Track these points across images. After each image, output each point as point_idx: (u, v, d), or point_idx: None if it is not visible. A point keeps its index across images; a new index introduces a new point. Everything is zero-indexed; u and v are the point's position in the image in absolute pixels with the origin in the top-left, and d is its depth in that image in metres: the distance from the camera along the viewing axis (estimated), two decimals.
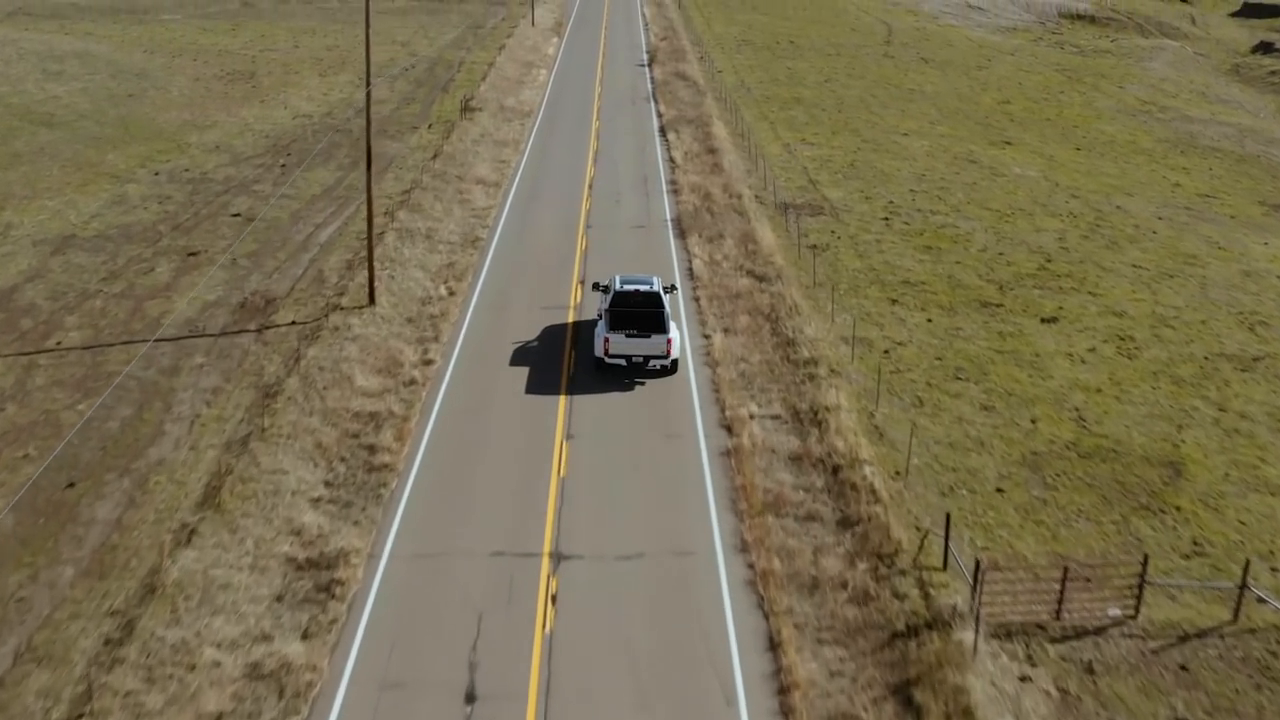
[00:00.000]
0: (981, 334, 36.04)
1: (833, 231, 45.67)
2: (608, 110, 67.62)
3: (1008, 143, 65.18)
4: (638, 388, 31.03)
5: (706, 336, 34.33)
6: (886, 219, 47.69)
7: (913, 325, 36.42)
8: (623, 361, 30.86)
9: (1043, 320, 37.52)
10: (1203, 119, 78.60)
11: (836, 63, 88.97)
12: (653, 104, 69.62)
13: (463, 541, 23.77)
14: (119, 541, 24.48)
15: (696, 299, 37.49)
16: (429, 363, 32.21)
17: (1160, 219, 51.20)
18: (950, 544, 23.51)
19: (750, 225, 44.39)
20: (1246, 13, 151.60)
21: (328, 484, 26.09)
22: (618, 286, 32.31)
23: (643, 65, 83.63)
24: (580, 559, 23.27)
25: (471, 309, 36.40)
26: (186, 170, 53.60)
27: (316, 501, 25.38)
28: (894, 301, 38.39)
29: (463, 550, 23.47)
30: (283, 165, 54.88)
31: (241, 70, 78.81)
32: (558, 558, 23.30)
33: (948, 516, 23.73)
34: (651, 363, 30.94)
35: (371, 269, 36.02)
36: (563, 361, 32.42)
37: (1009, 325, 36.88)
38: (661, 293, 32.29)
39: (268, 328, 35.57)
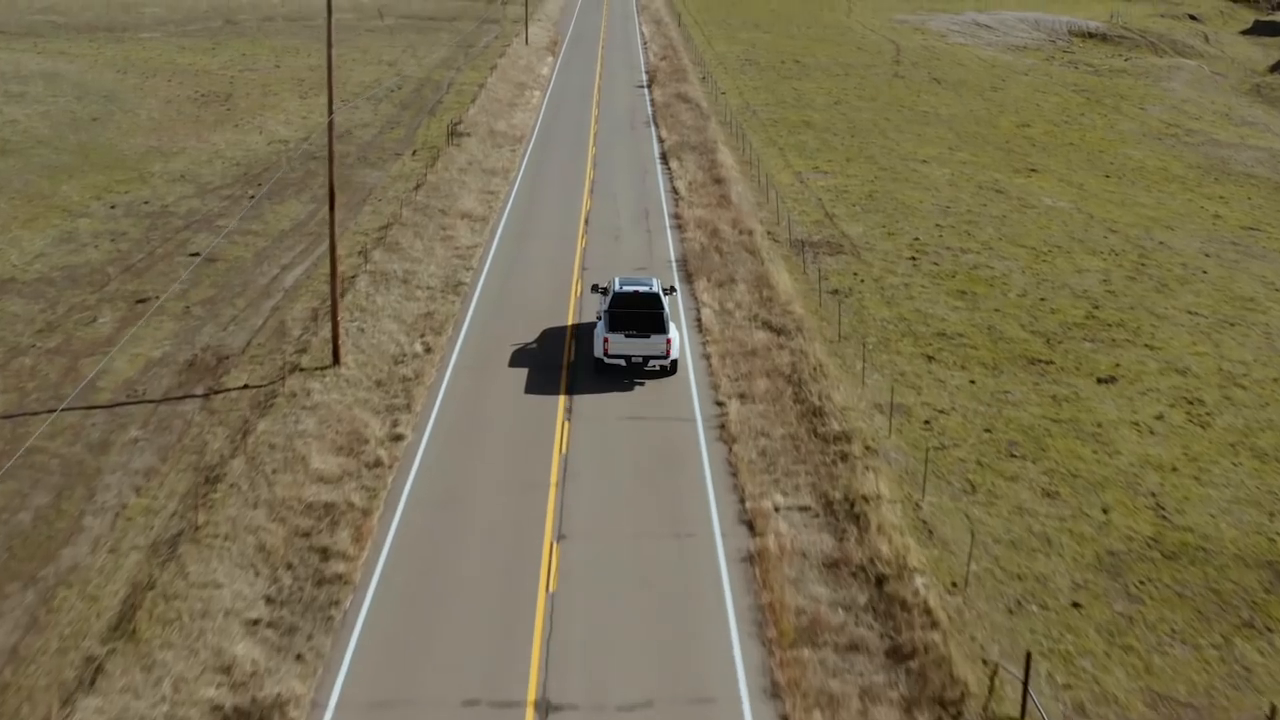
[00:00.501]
0: (1033, 398, 31.59)
1: (855, 273, 41.26)
2: (605, 135, 63.33)
3: (1033, 170, 60.89)
4: (643, 472, 26.53)
5: (720, 405, 29.86)
6: (913, 258, 43.30)
7: (954, 388, 31.97)
8: (622, 361, 30.72)
9: (1099, 380, 33.09)
10: (1232, 143, 74.41)
11: (845, 83, 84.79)
12: (653, 128, 65.35)
13: (429, 685, 19.24)
14: (11, 680, 19.94)
15: (707, 356, 33.02)
16: (398, 438, 27.72)
17: (1207, 256, 46.88)
18: (1029, 686, 19.02)
19: (764, 267, 39.98)
20: (1259, 30, 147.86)
21: (269, 600, 21.56)
22: (617, 288, 32.23)
23: (642, 86, 79.41)
24: (574, 710, 18.75)
25: (450, 370, 31.93)
26: (146, 203, 49.16)
27: (253, 625, 20.84)
28: (930, 358, 33.95)
29: (429, 698, 18.94)
30: (252, 197, 50.45)
31: (217, 92, 74.48)
32: (545, 708, 18.78)
33: (1028, 657, 19.24)
34: (651, 363, 30.76)
35: (336, 327, 31.53)
36: (555, 438, 27.94)
37: (1062, 387, 32.44)
38: (661, 294, 32.13)
39: (217, 392, 31.07)
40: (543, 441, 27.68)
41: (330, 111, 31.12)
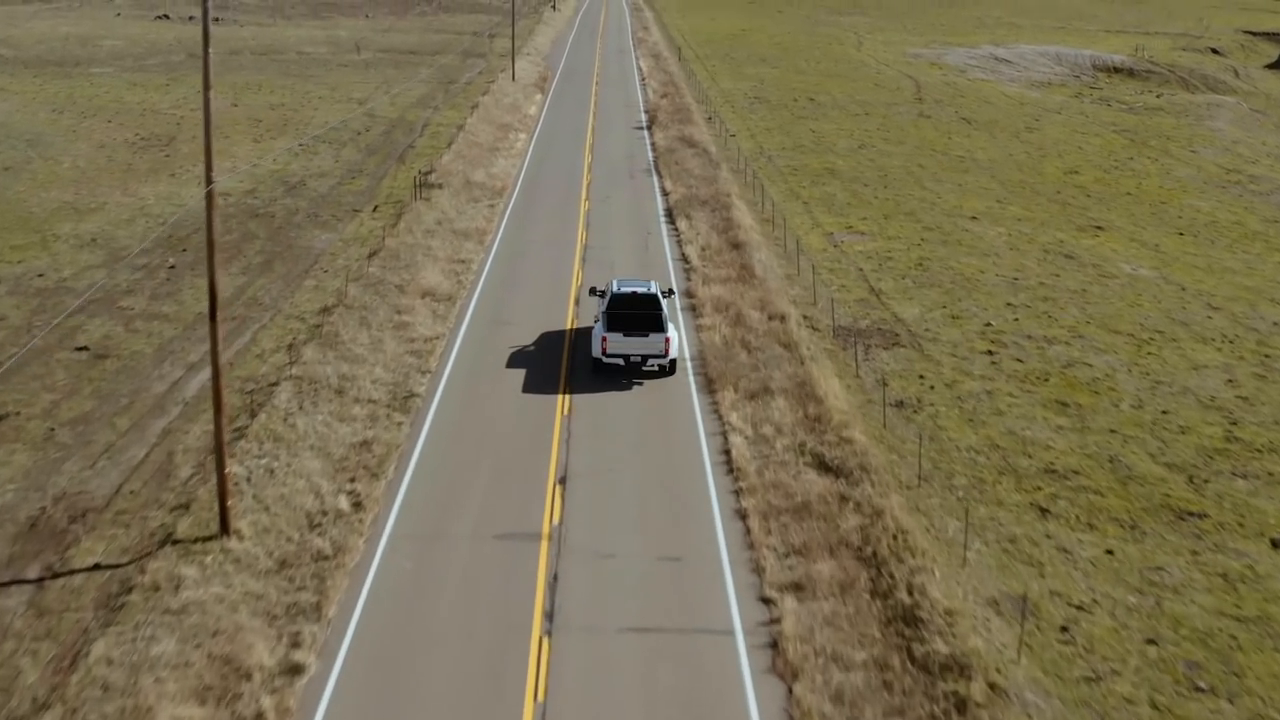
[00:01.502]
0: (1197, 578, 22.59)
1: (921, 376, 32.33)
2: (600, 186, 54.57)
3: (1098, 228, 52.16)
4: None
5: (768, 602, 20.77)
6: (990, 352, 34.40)
7: (1088, 563, 22.96)
8: (621, 361, 30.44)
9: (1275, 544, 24.13)
10: None
11: (867, 124, 76.28)
12: (655, 178, 56.65)
13: None
14: None
15: (742, 515, 23.96)
16: (296, 670, 18.63)
17: None
18: None
19: (805, 369, 31.03)
20: None
21: None
22: (615, 289, 32.08)
23: (641, 128, 70.79)
24: None
25: (385, 538, 22.87)
26: (40, 276, 40.22)
27: None
28: (1044, 511, 24.97)
29: None
30: (171, 266, 41.54)
31: (159, 134, 65.70)
32: None
33: None
34: (650, 362, 30.51)
35: (223, 485, 22.43)
36: (528, 678, 18.75)
37: (1229, 555, 23.47)
38: (659, 296, 31.93)
39: (57, 575, 22.00)
40: (510, 685, 18.49)
41: (208, 179, 22.20)
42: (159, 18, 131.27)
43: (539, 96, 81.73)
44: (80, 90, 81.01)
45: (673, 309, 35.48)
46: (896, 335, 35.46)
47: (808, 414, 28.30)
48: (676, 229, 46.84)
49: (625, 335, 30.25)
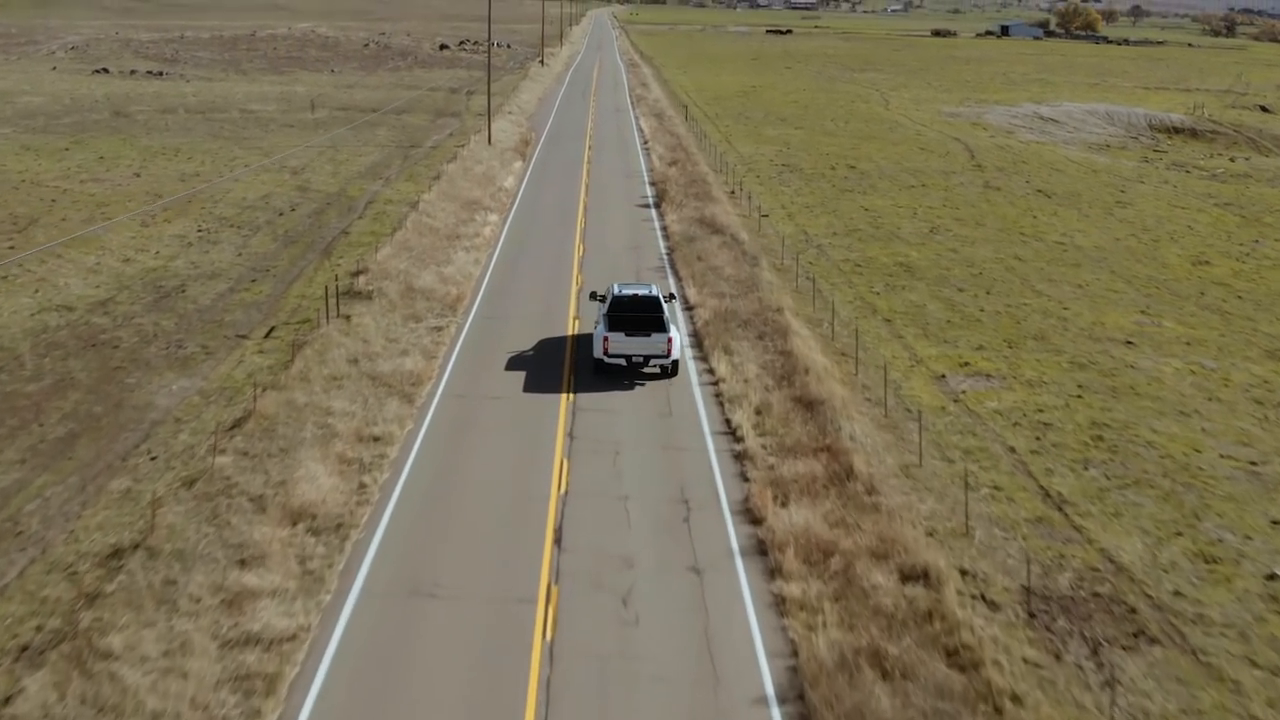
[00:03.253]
0: None
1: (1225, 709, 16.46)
2: (597, 277, 39.13)
3: None
4: None
5: None
6: None
7: None
8: (622, 361, 29.97)
9: None
10: None
11: (928, 199, 61.13)
12: (673, 281, 41.20)
13: None
14: None
15: None
16: None
17: None
18: None
19: (998, 692, 15.18)
20: None
21: None
22: (615, 292, 31.79)
23: (648, 205, 55.45)
24: None
25: None
26: None
27: None
28: None
29: None
30: None
31: (19, 216, 50.26)
32: None
33: None
34: (652, 362, 30.08)
35: None
36: None
37: None
38: (661, 298, 31.64)
39: None
40: None
41: None
42: (97, 72, 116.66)
43: (519, 164, 66.51)
44: None
45: (674, 312, 34.03)
46: (1132, 613, 19.63)
47: None
48: (711, 371, 31.26)
49: (627, 335, 29.84)
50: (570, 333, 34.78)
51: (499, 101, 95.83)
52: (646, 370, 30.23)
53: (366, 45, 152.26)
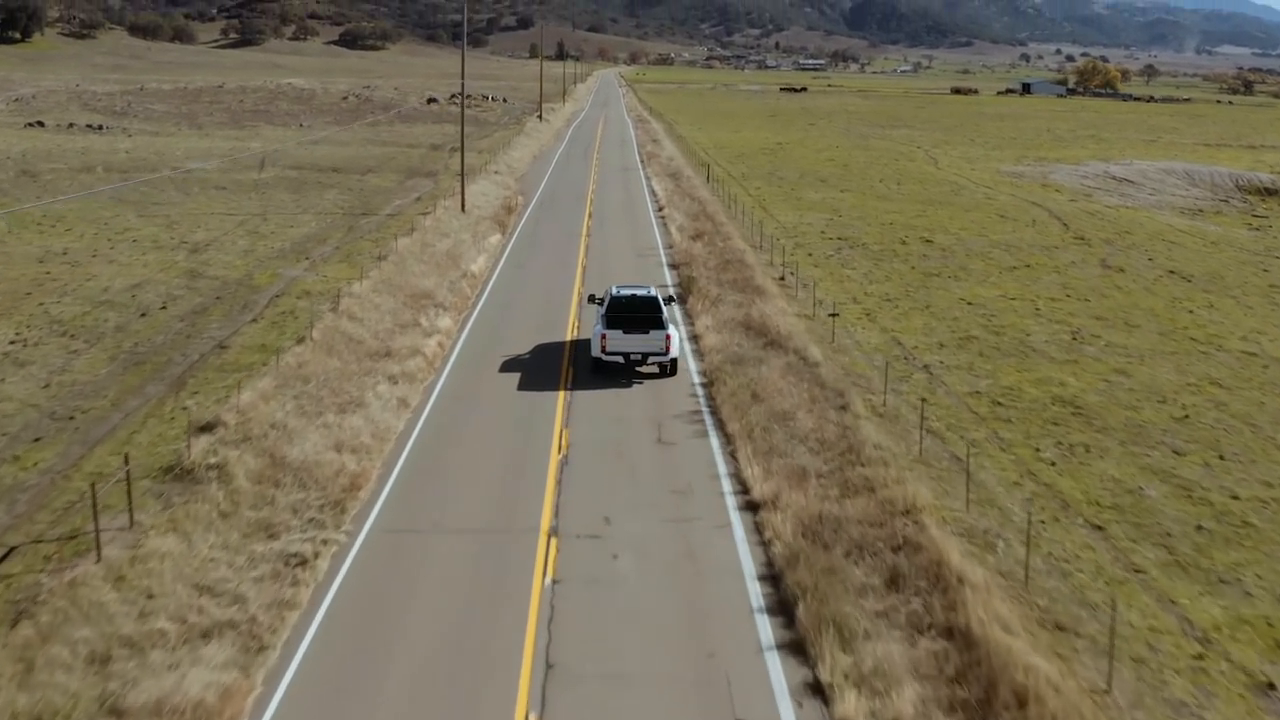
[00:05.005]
0: None
1: None
2: (593, 485, 23.27)
3: None
4: None
5: None
6: None
7: None
8: (620, 359, 29.45)
9: None
10: None
11: (1039, 284, 45.53)
12: (716, 441, 25.30)
13: None
14: None
15: None
16: None
17: None
18: None
19: None
20: None
21: None
22: (614, 293, 31.29)
23: (668, 301, 39.64)
24: None
25: None
26: None
27: None
28: None
29: None
30: None
31: None
32: None
33: None
34: (650, 360, 29.57)
35: None
36: None
37: None
38: (660, 300, 31.14)
39: None
40: None
41: None
42: (31, 125, 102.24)
43: (496, 238, 51.01)
44: None
45: (673, 314, 32.87)
46: None
47: None
48: (809, 661, 15.41)
49: (625, 332, 29.29)
50: (540, 566, 18.97)
51: (484, 160, 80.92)
52: (645, 369, 29.54)
53: (345, 98, 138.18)
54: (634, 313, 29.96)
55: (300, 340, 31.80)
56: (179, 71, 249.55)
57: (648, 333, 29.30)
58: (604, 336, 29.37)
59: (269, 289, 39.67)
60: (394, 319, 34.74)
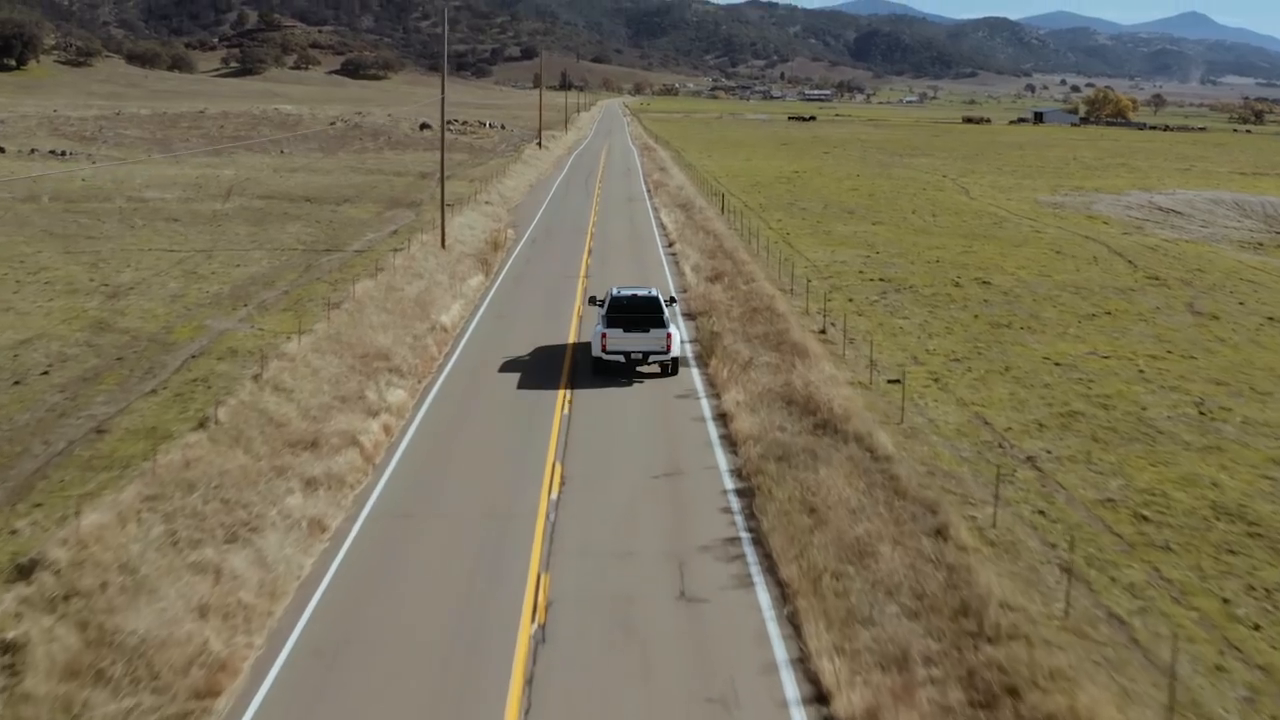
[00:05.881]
0: None
1: None
2: (575, 661, 15.43)
3: None
4: None
5: None
6: None
7: None
8: (621, 358, 29.12)
9: None
10: None
11: (1128, 336, 37.66)
12: (765, 596, 17.35)
13: None
14: None
15: None
16: None
17: None
18: None
19: None
20: None
21: None
22: (614, 293, 31.08)
23: (686, 364, 31.76)
24: None
25: None
26: None
27: None
28: None
29: None
30: None
31: None
32: None
33: None
34: (651, 358, 29.17)
35: None
36: None
37: None
38: (662, 300, 30.90)
39: None
40: None
41: None
42: None
43: (478, 280, 43.26)
44: None
45: (674, 316, 32.70)
46: None
47: None
48: None
49: (625, 331, 29.04)
50: None
51: (475, 189, 73.45)
52: (645, 369, 29.14)
53: (333, 123, 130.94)
54: (634, 312, 29.59)
55: (201, 423, 24.00)
56: (171, 99, 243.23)
57: (648, 331, 29.00)
58: (604, 335, 29.08)
59: (186, 347, 31.87)
60: (334, 390, 26.93)
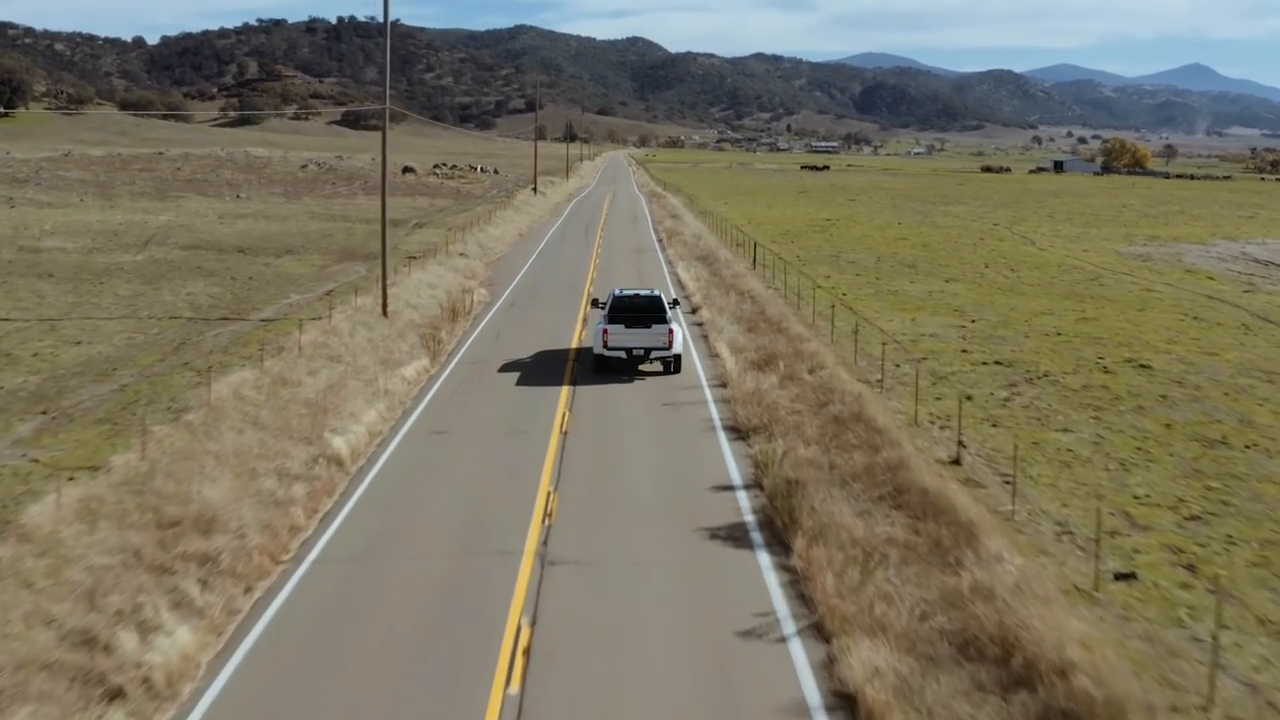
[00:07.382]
0: None
1: None
2: None
3: None
4: None
5: None
6: None
7: None
8: (623, 354, 28.87)
9: None
10: None
11: None
12: None
13: None
14: None
15: None
16: None
17: None
18: None
19: None
20: None
21: None
22: (616, 293, 30.95)
23: (744, 541, 18.09)
24: None
25: None
26: None
27: None
28: None
29: None
30: None
31: None
32: None
33: None
34: (653, 355, 28.92)
35: None
36: None
37: None
38: (664, 300, 30.77)
39: None
40: None
41: None
42: None
43: (419, 366, 29.70)
44: None
45: (677, 316, 32.12)
46: None
47: None
48: None
49: (627, 327, 28.80)
50: None
51: (450, 238, 60.50)
52: (649, 363, 28.73)
53: (304, 167, 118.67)
54: (636, 310, 29.44)
55: None
56: (157, 147, 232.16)
57: (650, 327, 28.75)
58: (605, 331, 28.81)
59: None
60: (79, 615, 13.56)
